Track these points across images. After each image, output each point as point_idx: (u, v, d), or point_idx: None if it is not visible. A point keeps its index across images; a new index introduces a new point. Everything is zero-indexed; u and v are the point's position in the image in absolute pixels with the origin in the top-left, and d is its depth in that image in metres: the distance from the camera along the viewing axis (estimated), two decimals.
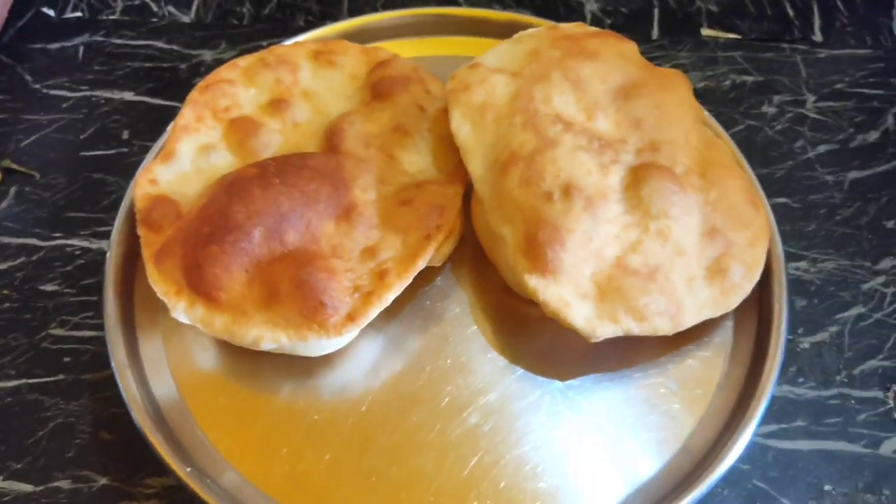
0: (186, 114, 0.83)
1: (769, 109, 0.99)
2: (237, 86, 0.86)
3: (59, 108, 1.00)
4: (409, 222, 0.74)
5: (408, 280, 0.73)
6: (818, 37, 1.06)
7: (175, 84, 1.02)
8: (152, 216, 0.77)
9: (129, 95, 1.01)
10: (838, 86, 1.02)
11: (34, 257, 0.88)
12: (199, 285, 0.71)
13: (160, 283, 0.74)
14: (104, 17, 1.08)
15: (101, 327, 0.83)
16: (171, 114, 0.98)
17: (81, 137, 0.97)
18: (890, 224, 0.90)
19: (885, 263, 0.87)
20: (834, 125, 0.98)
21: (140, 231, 0.78)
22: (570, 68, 0.79)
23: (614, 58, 0.81)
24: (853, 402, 0.78)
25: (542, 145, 0.74)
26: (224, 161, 0.82)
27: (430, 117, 0.83)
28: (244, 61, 0.88)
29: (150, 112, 0.99)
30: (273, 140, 0.82)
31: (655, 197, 0.73)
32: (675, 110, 0.79)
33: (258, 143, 0.81)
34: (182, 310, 0.72)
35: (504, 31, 0.89)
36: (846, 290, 0.86)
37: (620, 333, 0.71)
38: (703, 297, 0.74)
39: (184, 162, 0.81)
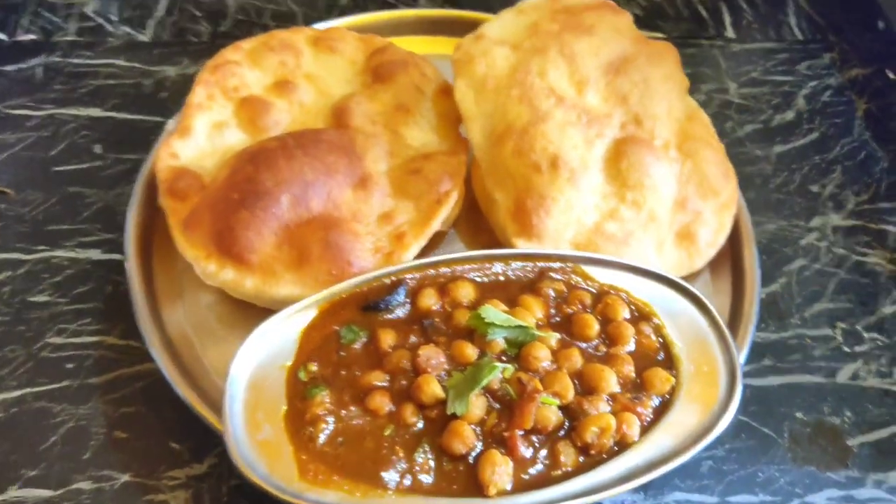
0: (199, 92, 0.87)
1: (699, 97, 1.10)
2: (243, 67, 0.89)
3: (24, 126, 0.99)
4: (419, 189, 0.80)
5: (423, 241, 0.79)
6: (730, 33, 1.19)
7: (141, 99, 1.03)
8: (178, 186, 0.80)
9: (95, 112, 1.01)
10: (753, 74, 1.14)
11: (20, 271, 0.88)
12: (231, 248, 0.74)
13: (189, 248, 0.76)
14: (59, 39, 1.08)
15: (101, 332, 0.84)
16: (141, 127, 1.00)
17: (51, 154, 0.97)
18: (815, 188, 1.02)
19: (816, 221, 0.99)
20: (755, 108, 1.10)
21: (164, 201, 0.80)
22: (565, 43, 0.86)
23: (608, 32, 0.88)
24: (808, 340, 0.88)
25: (534, 118, 0.81)
26: (237, 138, 0.86)
27: (428, 97, 0.89)
28: (247, 44, 0.92)
29: (120, 127, 1.00)
30: (282, 118, 0.87)
31: (632, 170, 0.81)
32: (660, 85, 0.87)
33: (269, 121, 0.86)
34: (212, 273, 0.75)
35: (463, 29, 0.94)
36: (788, 247, 0.96)
37: None
38: (671, 259, 0.83)
39: (199, 137, 0.85)
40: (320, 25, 1.00)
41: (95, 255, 0.89)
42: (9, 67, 1.05)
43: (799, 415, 0.83)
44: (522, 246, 0.78)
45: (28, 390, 0.80)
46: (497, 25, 0.90)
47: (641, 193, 0.82)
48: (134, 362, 0.81)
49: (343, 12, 1.14)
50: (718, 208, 0.85)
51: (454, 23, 1.03)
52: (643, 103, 0.85)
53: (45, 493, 0.74)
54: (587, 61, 0.86)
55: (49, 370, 0.81)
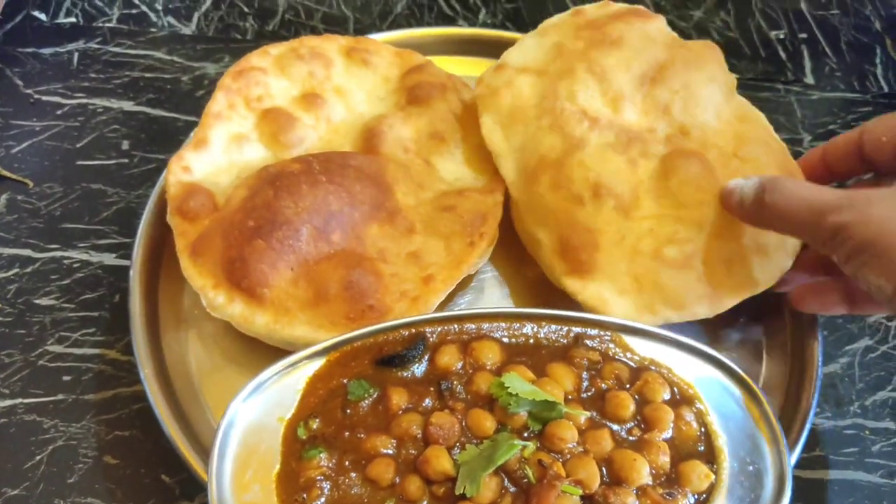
0: (219, 100, 0.80)
1: None
2: (269, 75, 0.83)
3: (52, 114, 0.95)
4: (452, 229, 0.74)
5: (452, 286, 0.72)
6: (809, 79, 1.10)
7: (177, 96, 0.98)
8: (188, 205, 0.73)
9: (128, 105, 0.97)
10: (831, 126, 1.05)
11: (28, 269, 0.83)
12: (241, 281, 0.68)
13: (196, 276, 0.70)
14: (100, 25, 1.04)
15: (103, 345, 0.79)
16: (173, 126, 0.96)
17: (78, 146, 0.93)
18: None
19: None
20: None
21: (173, 220, 0.74)
22: (593, 60, 0.78)
23: (639, 40, 0.80)
24: (868, 432, 0.80)
25: (569, 147, 0.74)
26: (257, 153, 0.79)
27: (465, 126, 0.82)
28: (275, 49, 0.85)
29: (151, 123, 0.96)
30: (307, 136, 0.80)
31: (685, 186, 0.73)
32: (703, 89, 0.78)
33: (293, 138, 0.79)
34: (220, 305, 0.69)
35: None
36: (853, 323, 0.88)
37: (661, 323, 0.71)
38: (740, 277, 0.73)
39: (216, 151, 0.79)
40: (374, 36, 0.94)
41: (108, 259, 0.85)
42: (45, 50, 1.01)
43: None
44: (573, 286, 0.71)
45: (20, 400, 0.76)
46: (519, 52, 0.82)
47: (700, 210, 0.73)
48: (133, 382, 0.76)
49: (396, 20, 1.08)
50: None
51: (506, 44, 0.95)
52: (687, 111, 0.77)
53: None
54: (619, 76, 0.78)
55: (45, 381, 0.77)
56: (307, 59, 0.84)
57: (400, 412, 0.61)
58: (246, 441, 0.59)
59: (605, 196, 0.73)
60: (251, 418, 0.60)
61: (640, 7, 0.85)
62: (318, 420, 0.60)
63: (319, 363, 0.63)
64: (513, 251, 0.80)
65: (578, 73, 0.78)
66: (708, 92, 0.79)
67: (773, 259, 0.74)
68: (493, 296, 0.80)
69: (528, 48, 0.83)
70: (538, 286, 0.79)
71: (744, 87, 1.06)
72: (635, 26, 0.81)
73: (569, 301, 0.73)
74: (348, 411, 0.61)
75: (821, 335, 0.77)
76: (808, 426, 0.71)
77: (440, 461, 0.58)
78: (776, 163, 0.77)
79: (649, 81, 0.79)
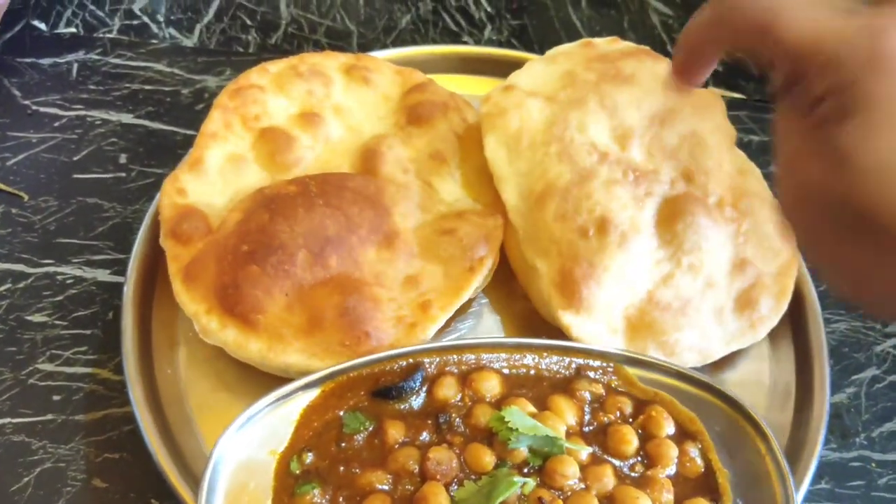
0: (215, 119, 0.79)
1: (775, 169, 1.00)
2: (267, 93, 0.81)
3: (50, 126, 0.94)
4: (450, 253, 0.72)
5: (451, 312, 0.70)
6: None
7: (177, 109, 0.97)
8: (181, 228, 0.72)
9: (126, 118, 0.95)
10: None
11: (21, 284, 0.82)
12: (235, 307, 0.66)
13: (188, 301, 0.69)
14: (100, 35, 1.03)
15: (95, 364, 0.78)
16: (172, 139, 0.94)
17: (75, 159, 0.91)
18: None
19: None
20: None
21: (165, 243, 0.73)
22: (605, 94, 0.77)
23: (650, 80, 0.79)
24: (874, 465, 0.78)
25: (577, 178, 0.73)
26: (253, 174, 0.78)
27: (466, 146, 0.81)
28: (274, 66, 0.84)
29: (149, 136, 0.94)
30: (305, 156, 0.78)
31: (689, 232, 0.73)
32: (709, 137, 0.78)
33: (290, 158, 0.77)
34: (213, 331, 0.68)
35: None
36: (860, 352, 0.86)
37: None
38: (731, 328, 0.74)
39: (211, 172, 0.77)
40: (377, 53, 0.93)
41: (102, 275, 0.83)
42: (44, 61, 1.00)
43: None
44: (569, 321, 0.70)
45: (9, 420, 0.74)
46: (528, 75, 0.81)
47: (699, 257, 0.73)
48: (124, 403, 0.74)
49: (400, 35, 1.06)
50: (780, 271, 0.76)
51: (510, 64, 0.92)
52: (693, 157, 0.77)
53: None
54: (630, 113, 0.77)
55: (34, 400, 0.75)
56: (306, 77, 0.82)
57: (396, 446, 0.59)
58: (237, 475, 0.57)
59: (611, 232, 0.72)
60: (242, 452, 0.58)
61: (648, 48, 0.84)
62: (311, 454, 0.59)
63: (314, 394, 0.61)
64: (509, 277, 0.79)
65: (590, 105, 0.77)
66: (714, 140, 0.79)
67: (759, 318, 0.75)
68: (493, 321, 0.78)
69: (537, 72, 0.82)
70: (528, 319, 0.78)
71: (751, 109, 1.06)
72: (646, 65, 0.80)
73: (560, 332, 0.72)
74: (343, 445, 0.59)
75: (828, 366, 0.75)
76: (815, 461, 0.70)
77: (437, 499, 0.56)
78: (773, 219, 0.78)
79: (658, 122, 0.78)
